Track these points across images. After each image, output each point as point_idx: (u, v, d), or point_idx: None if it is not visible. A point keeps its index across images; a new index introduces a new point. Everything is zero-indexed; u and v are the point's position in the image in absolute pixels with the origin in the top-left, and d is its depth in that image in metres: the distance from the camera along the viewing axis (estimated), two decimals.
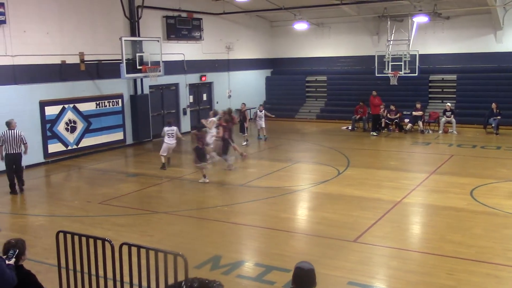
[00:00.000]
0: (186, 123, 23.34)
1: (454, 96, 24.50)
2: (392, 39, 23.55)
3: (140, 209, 11.75)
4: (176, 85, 22.86)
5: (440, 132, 21.21)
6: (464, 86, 24.36)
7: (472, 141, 19.32)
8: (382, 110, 22.13)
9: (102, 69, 18.60)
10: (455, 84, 24.77)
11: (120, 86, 19.55)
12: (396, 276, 7.90)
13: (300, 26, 25.00)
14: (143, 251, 5.84)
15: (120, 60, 17.26)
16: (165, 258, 5.58)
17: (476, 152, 17.47)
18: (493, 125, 20.78)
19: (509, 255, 8.52)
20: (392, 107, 22.39)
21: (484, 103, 21.96)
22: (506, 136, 20.17)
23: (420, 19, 22.81)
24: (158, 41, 19.08)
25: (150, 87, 20.97)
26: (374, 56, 23.72)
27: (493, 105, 21.03)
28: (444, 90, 25.18)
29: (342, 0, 22.10)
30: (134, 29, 19.65)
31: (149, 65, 18.51)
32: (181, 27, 22.44)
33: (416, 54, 22.74)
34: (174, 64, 21.61)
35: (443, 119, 21.64)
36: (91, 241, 6.21)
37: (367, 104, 22.81)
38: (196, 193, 13.22)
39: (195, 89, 24.17)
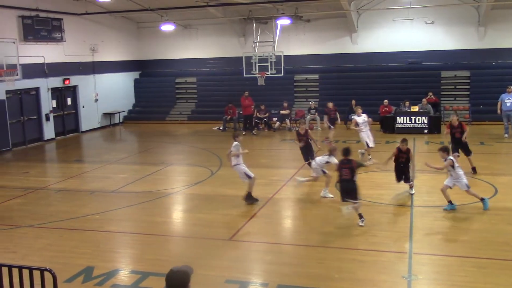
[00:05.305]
0: (49, 129, 21.98)
1: (317, 94, 25.96)
2: (258, 40, 24.27)
3: (1, 224, 10.84)
4: (37, 89, 21.40)
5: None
6: (326, 85, 25.90)
7: (334, 137, 20.53)
8: (253, 109, 22.77)
9: None
10: (317, 83, 26.27)
11: None
12: (270, 270, 8.16)
13: (167, 27, 24.80)
14: (5, 269, 5.41)
15: None
16: (30, 274, 5.21)
17: (338, 147, 18.57)
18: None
19: (371, 240, 9.21)
20: (262, 107, 23.12)
21: (344, 101, 23.48)
22: None
23: (283, 21, 23.78)
24: (14, 42, 17.86)
25: (7, 92, 19.41)
26: (241, 57, 24.26)
27: (353, 102, 22.62)
28: (308, 89, 26.57)
29: (208, 2, 22.32)
30: None
31: (5, 69, 17.24)
32: (40, 27, 21.07)
33: (281, 55, 23.68)
34: (33, 67, 20.24)
35: (308, 117, 22.84)
36: None
37: (236, 105, 23.30)
38: (64, 203, 12.50)
39: (58, 93, 22.86)
